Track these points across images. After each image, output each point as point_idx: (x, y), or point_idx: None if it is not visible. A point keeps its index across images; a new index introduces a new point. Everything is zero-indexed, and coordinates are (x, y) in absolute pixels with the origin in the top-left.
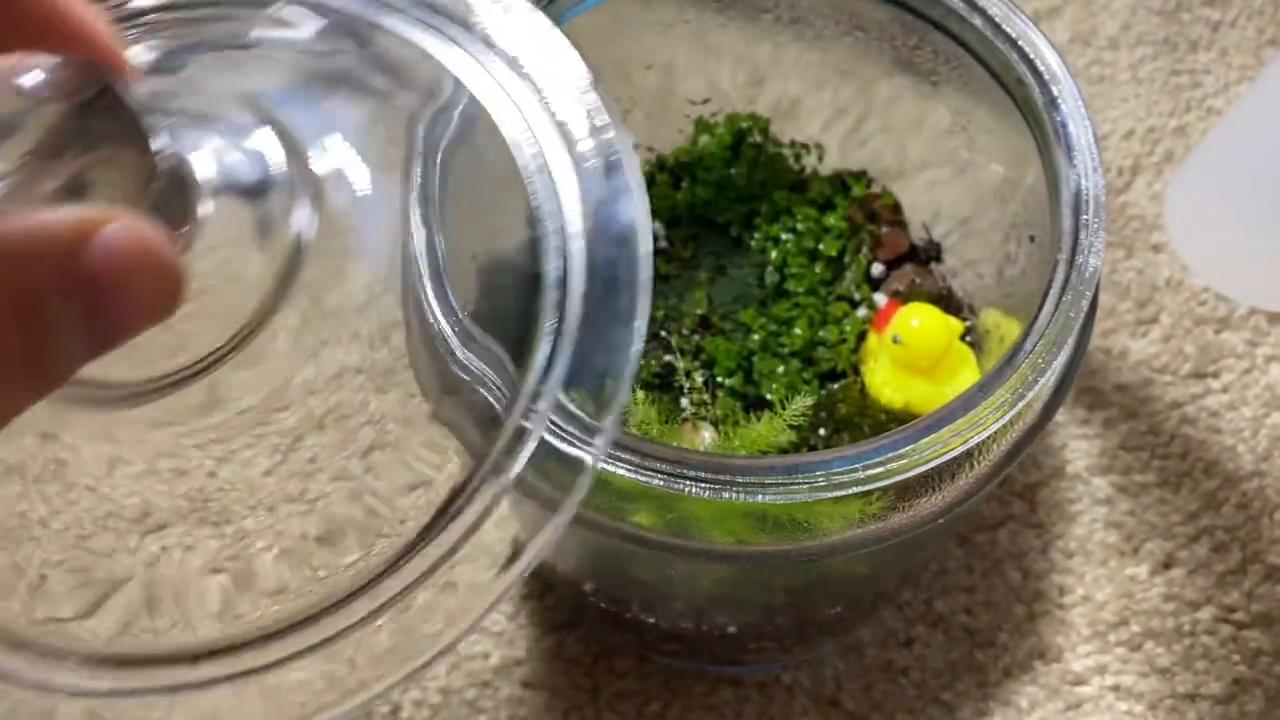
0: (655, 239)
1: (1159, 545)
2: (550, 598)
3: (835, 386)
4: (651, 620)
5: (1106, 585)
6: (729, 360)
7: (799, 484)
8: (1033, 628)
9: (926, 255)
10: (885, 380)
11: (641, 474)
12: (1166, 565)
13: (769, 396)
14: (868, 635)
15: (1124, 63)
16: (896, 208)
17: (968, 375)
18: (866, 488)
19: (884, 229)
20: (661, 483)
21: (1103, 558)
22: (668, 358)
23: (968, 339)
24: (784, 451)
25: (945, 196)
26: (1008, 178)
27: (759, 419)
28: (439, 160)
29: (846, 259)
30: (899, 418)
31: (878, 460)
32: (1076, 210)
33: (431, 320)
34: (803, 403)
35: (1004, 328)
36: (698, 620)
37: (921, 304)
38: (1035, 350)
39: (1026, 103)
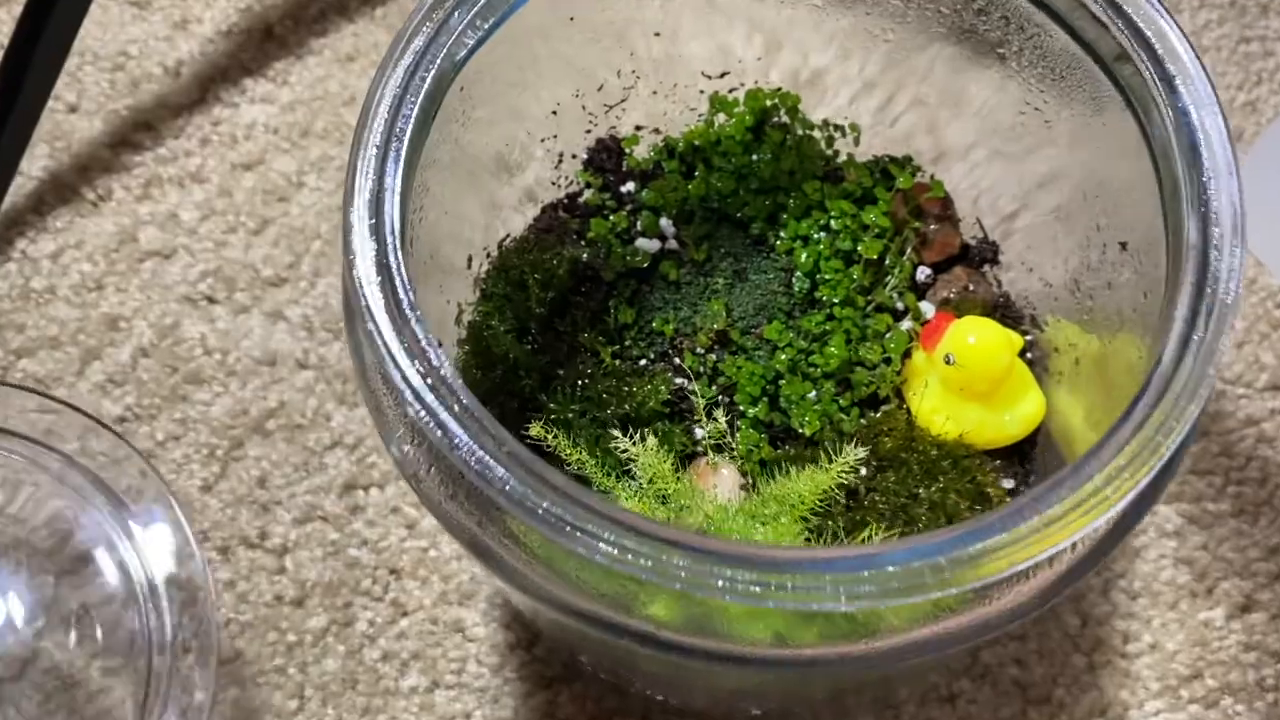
0: (663, 239)
1: (1236, 585)
2: (540, 648)
3: (877, 415)
4: (660, 698)
5: (1177, 632)
6: (752, 385)
7: (864, 586)
8: (1093, 681)
9: (981, 257)
10: (935, 407)
11: (655, 574)
12: (1245, 608)
13: (800, 428)
14: (905, 691)
15: (1185, 28)
16: (947, 201)
17: (1031, 400)
18: (952, 590)
19: (932, 226)
20: (683, 585)
21: (1172, 600)
22: (679, 381)
23: (1027, 355)
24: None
25: (1003, 188)
26: (1093, 171)
27: (790, 456)
28: None
29: (889, 262)
30: (952, 451)
31: (968, 552)
32: (1205, 223)
33: None
34: (853, 454)
35: (1080, 345)
36: (716, 703)
37: (978, 317)
38: (1164, 402)
39: (1130, 84)
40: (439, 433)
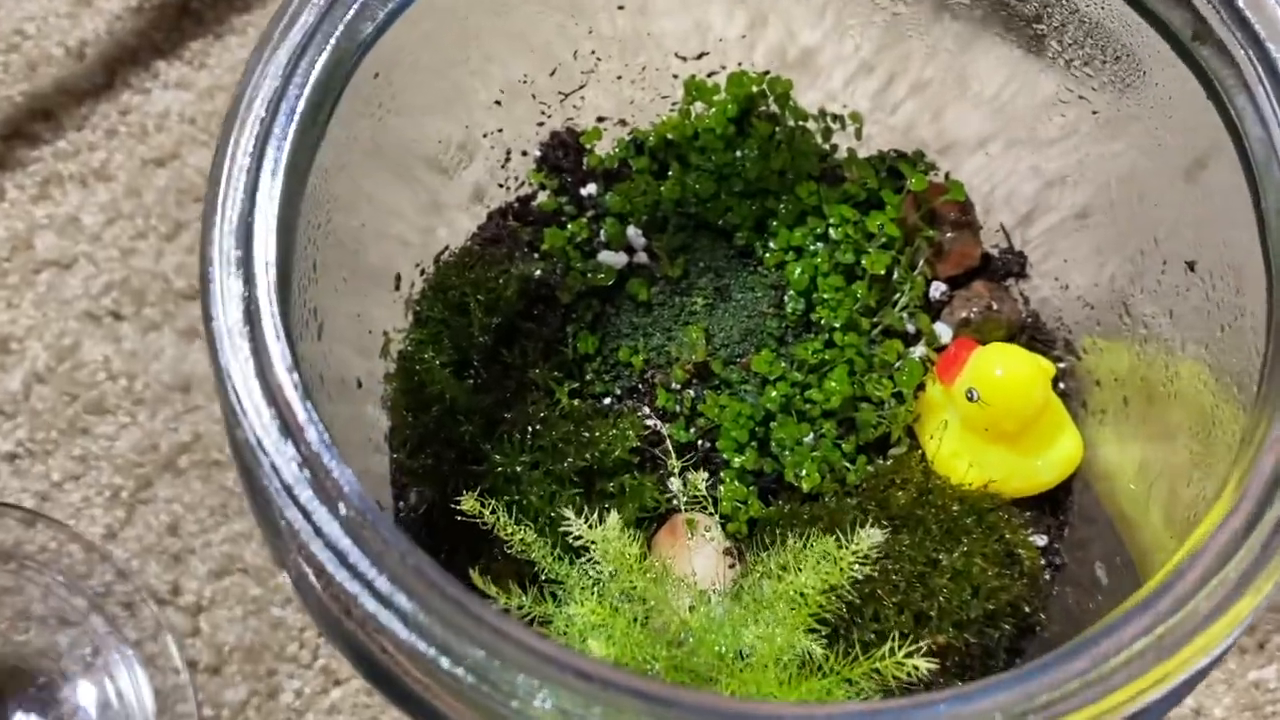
0: (630, 251)
1: None
2: None
3: (886, 461)
4: None
5: (1224, 694)
6: (737, 428)
7: None
8: None
9: (1004, 269)
10: (955, 451)
11: None
12: None
13: (796, 482)
14: None
15: None
16: (966, 205)
17: (1067, 442)
18: None
19: (948, 234)
20: None
21: None
22: (650, 423)
23: (1060, 385)
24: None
25: (1031, 189)
26: (1150, 173)
27: (785, 514)
28: None
29: (897, 277)
30: (976, 505)
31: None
32: None
33: None
34: (869, 539)
35: (1130, 380)
36: None
37: (1005, 344)
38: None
39: (1212, 68)
40: (316, 544)
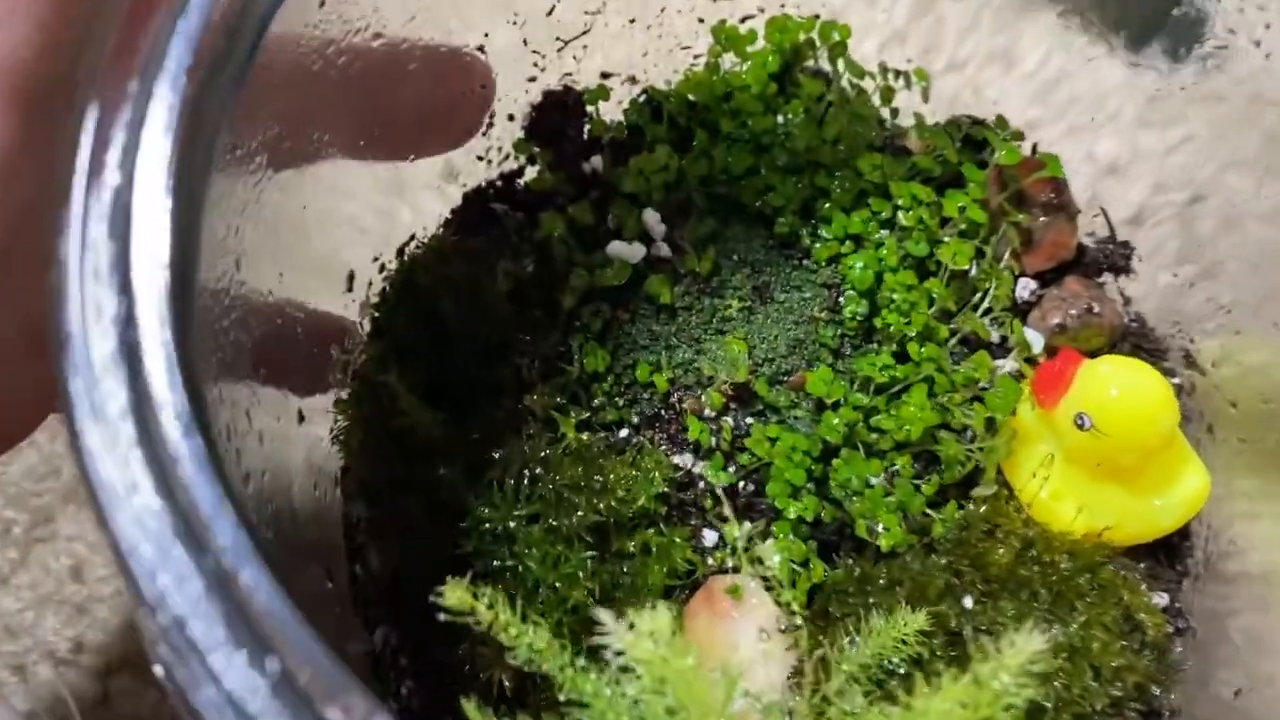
0: (647, 242)
1: None
2: None
3: (970, 505)
4: None
5: None
6: (791, 468)
7: None
8: None
9: (1103, 263)
10: (1059, 491)
11: None
12: None
13: (870, 537)
14: None
15: None
16: (1060, 184)
17: (1191, 477)
18: None
19: (1040, 219)
20: None
21: None
22: (679, 460)
23: None
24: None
25: (1147, 161)
26: None
27: (856, 581)
28: None
29: (979, 272)
30: (1087, 559)
31: None
32: None
33: None
34: (1028, 647)
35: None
36: None
37: (1123, 358)
38: None
39: None
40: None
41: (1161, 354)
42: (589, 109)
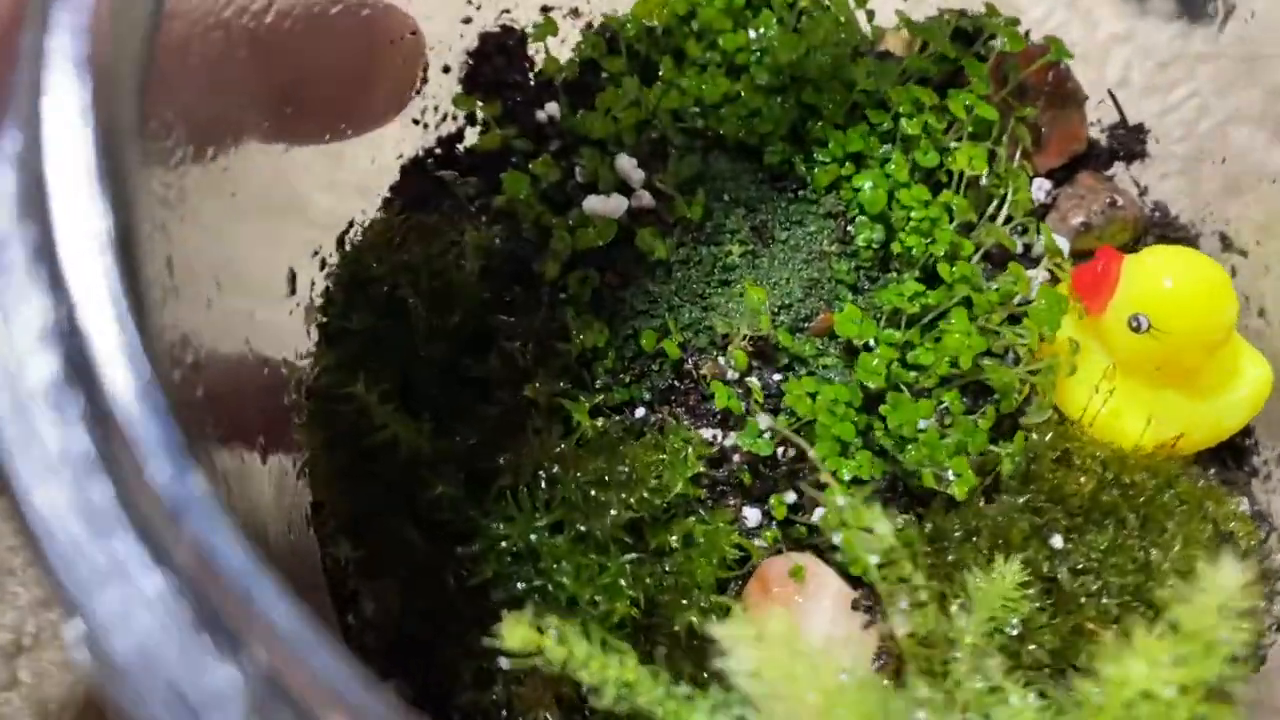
0: (628, 191)
1: None
2: None
3: (1035, 435)
4: None
5: None
6: (838, 423)
7: None
8: None
9: (1122, 150)
10: (1122, 405)
11: None
12: None
13: (942, 487)
14: None
15: None
16: (1062, 72)
17: (1251, 370)
18: None
19: (1047, 111)
20: None
21: None
22: (708, 434)
23: None
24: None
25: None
26: None
27: (933, 538)
28: None
29: (991, 178)
30: (1167, 475)
31: None
32: None
33: None
34: (1223, 582)
35: None
36: None
37: (1164, 248)
38: None
39: None
40: None
41: (1193, 241)
42: (534, 49)
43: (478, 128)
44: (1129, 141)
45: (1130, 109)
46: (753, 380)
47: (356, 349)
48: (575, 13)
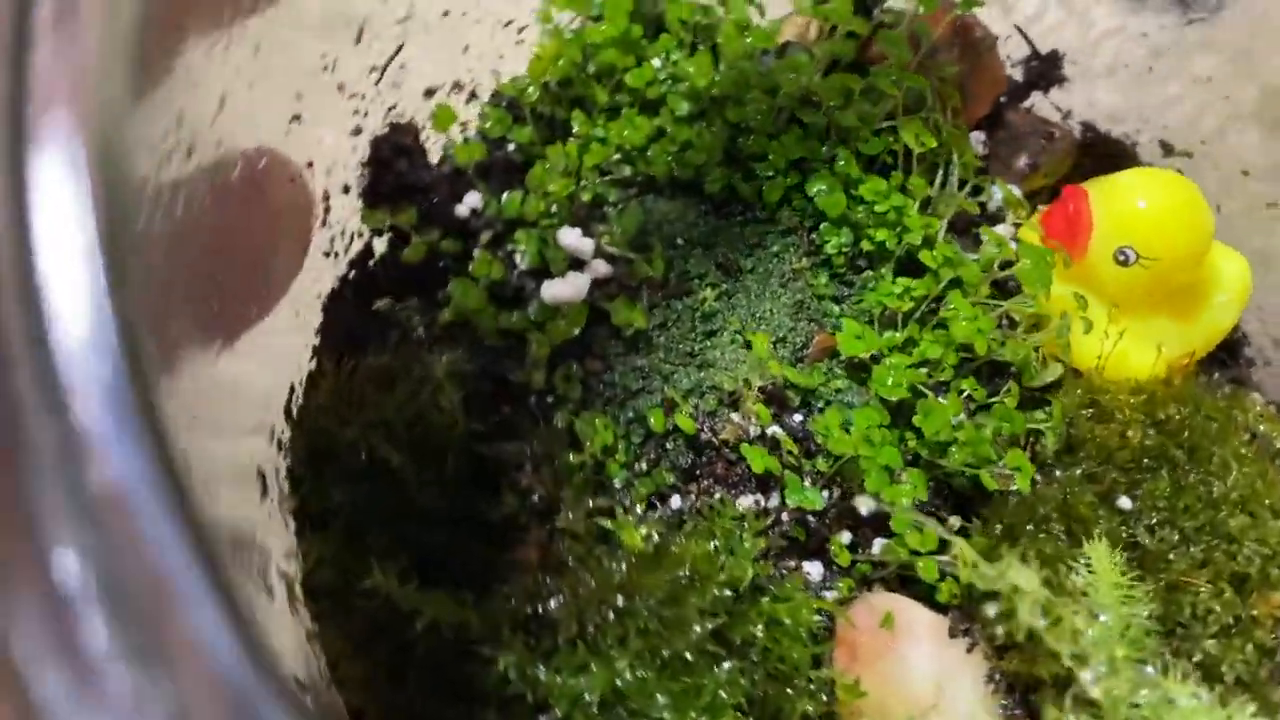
0: (579, 265)
1: None
2: None
3: (1064, 398)
4: None
5: None
6: (883, 450)
7: None
8: None
9: (1041, 81)
10: (1129, 344)
11: None
12: None
13: (1002, 485)
14: None
15: None
16: (966, 23)
17: (1230, 266)
18: None
19: (962, 64)
20: None
21: None
22: (747, 502)
23: None
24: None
25: None
26: None
27: (1009, 548)
28: None
29: (939, 141)
30: (1193, 397)
31: None
32: None
33: None
34: None
35: None
36: None
37: (1138, 170)
38: None
39: None
40: None
41: (1132, 152)
42: (432, 140)
43: (383, 240)
44: (1045, 70)
45: (1048, 38)
46: (776, 430)
47: (346, 528)
48: (459, 86)
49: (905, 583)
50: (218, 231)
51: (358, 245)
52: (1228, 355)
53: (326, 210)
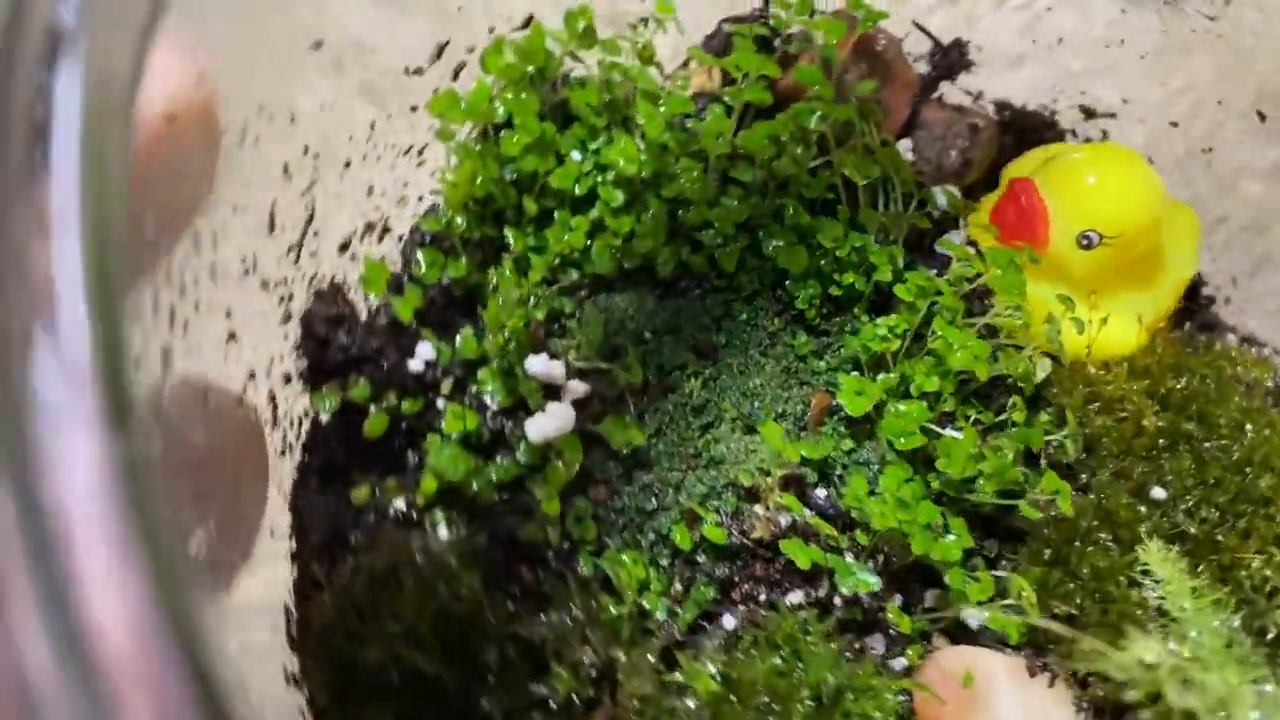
0: (555, 393)
1: None
2: None
3: (1050, 403)
4: None
5: None
6: (921, 511)
7: None
8: None
9: (946, 72)
10: (1111, 323)
11: None
12: None
13: (1046, 510)
14: None
15: None
16: (867, 37)
17: (1179, 216)
18: None
19: (874, 76)
20: None
21: None
22: (796, 597)
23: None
24: None
25: None
26: None
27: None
28: None
29: (874, 162)
30: (1182, 360)
31: None
32: None
33: None
34: None
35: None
36: None
37: (1078, 150)
38: None
39: None
40: None
41: (1052, 126)
42: (368, 302)
43: (329, 412)
44: (950, 60)
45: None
46: (807, 514)
47: None
48: (370, 228)
49: (961, 625)
50: (180, 477)
51: (308, 428)
52: (1189, 299)
53: (274, 409)
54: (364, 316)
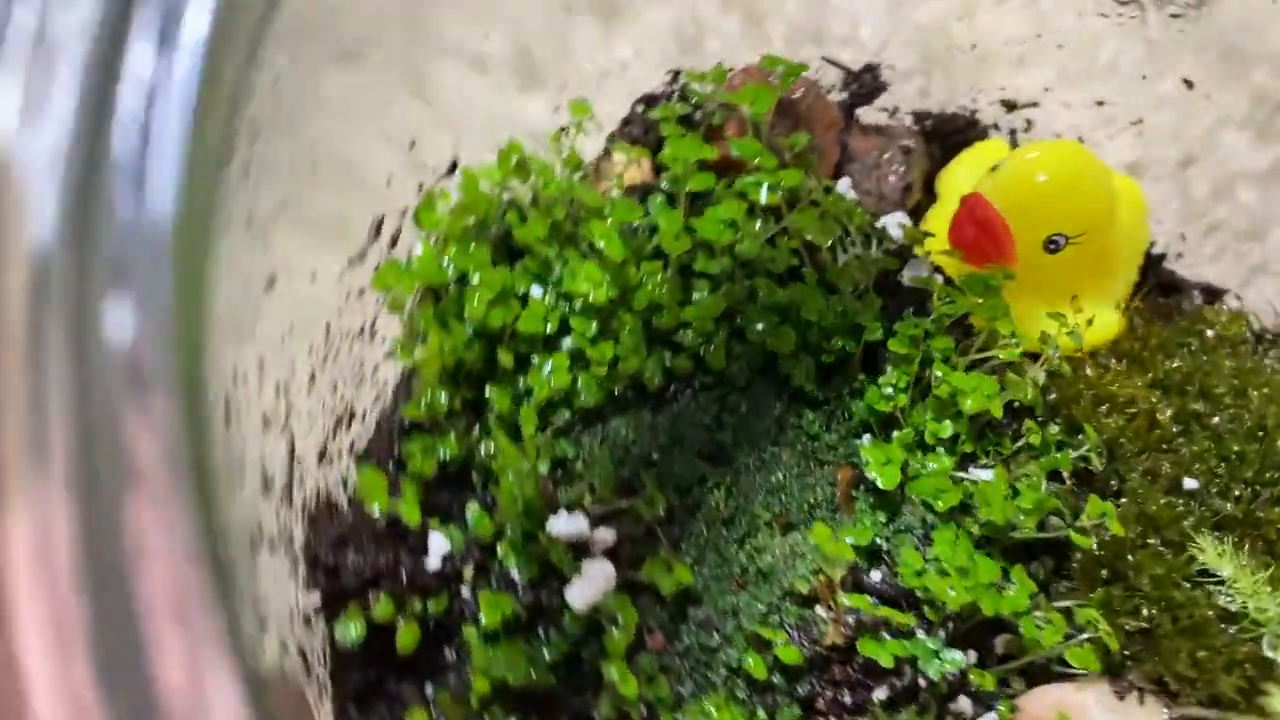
0: (587, 551)
1: None
2: None
3: (1059, 409)
4: None
5: None
6: (980, 569)
7: None
8: None
9: (863, 98)
10: (1095, 316)
11: None
12: None
13: (1096, 534)
14: None
15: None
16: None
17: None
18: None
19: (802, 127)
20: None
21: None
22: (880, 694)
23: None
24: None
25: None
26: None
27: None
28: None
29: (824, 212)
30: (1172, 338)
31: None
32: None
33: None
34: None
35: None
36: None
37: (1014, 153)
38: None
39: None
40: None
41: (973, 125)
42: (366, 508)
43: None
44: (864, 86)
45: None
46: (871, 602)
47: None
48: (340, 422)
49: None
50: None
51: (332, 656)
52: (1145, 263)
53: (305, 661)
54: (351, 519)
